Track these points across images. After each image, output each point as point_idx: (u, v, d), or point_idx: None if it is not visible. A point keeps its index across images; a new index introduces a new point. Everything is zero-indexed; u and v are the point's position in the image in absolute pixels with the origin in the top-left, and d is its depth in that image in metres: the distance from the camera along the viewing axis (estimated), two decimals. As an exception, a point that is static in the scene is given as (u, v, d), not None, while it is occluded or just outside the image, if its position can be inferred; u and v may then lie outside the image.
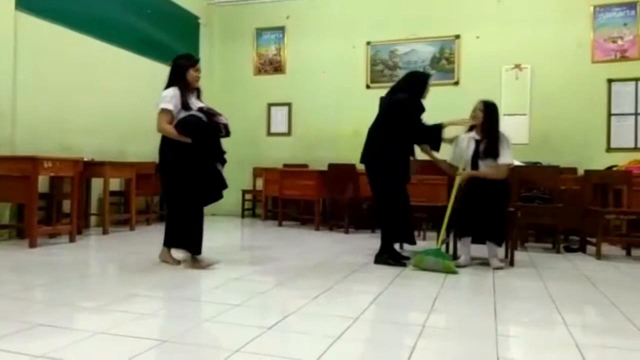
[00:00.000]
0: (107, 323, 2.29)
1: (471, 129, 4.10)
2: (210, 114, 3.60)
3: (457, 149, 4.12)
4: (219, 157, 3.67)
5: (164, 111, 3.53)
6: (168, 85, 3.64)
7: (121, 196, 6.30)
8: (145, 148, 6.84)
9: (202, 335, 2.21)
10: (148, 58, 6.94)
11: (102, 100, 6.17)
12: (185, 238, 3.66)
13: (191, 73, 3.65)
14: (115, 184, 6.21)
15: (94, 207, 5.93)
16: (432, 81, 4.25)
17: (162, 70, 7.09)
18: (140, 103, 6.84)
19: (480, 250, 4.11)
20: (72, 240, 4.77)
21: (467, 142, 4.06)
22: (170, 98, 3.55)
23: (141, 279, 3.34)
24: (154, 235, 5.60)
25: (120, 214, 6.23)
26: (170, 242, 3.77)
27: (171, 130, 3.52)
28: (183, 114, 3.55)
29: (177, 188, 3.58)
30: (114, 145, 6.30)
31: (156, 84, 7.29)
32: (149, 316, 2.45)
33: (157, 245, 3.89)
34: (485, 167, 3.94)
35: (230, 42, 8.32)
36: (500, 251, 4.45)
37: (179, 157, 3.53)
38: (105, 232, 5.40)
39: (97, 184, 5.73)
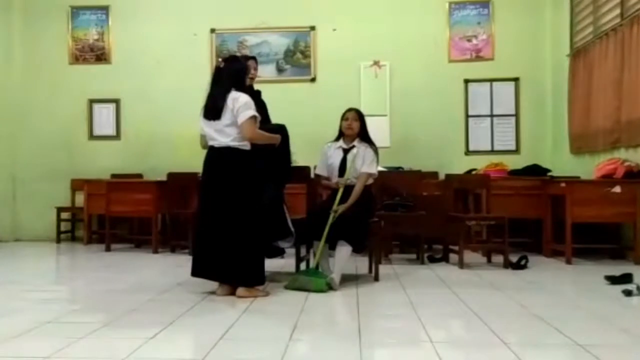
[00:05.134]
0: None
1: (338, 137, 4.37)
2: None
3: (324, 158, 4.36)
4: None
5: (255, 118, 3.69)
6: (227, 88, 3.71)
7: None
8: None
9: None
10: None
11: None
12: (250, 269, 3.68)
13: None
14: None
15: None
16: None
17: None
18: None
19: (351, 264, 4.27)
20: None
21: (334, 151, 4.33)
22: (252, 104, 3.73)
23: None
24: None
25: None
26: (244, 279, 3.70)
27: (267, 134, 3.84)
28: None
29: (253, 209, 3.70)
30: None
31: None
32: None
33: None
34: (355, 186, 4.14)
35: (37, 22, 7.63)
36: (364, 266, 4.69)
37: (255, 175, 3.75)
38: None
39: None
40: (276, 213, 4.16)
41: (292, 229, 4.17)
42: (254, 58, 4.51)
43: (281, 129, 4.17)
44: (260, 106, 4.16)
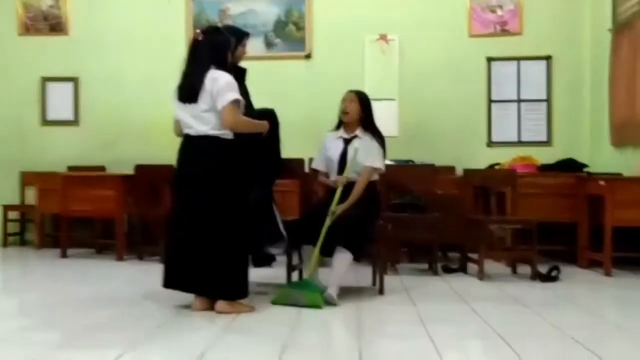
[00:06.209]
0: None
1: (338, 126, 4.40)
2: None
3: (322, 150, 4.40)
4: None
5: (238, 102, 3.66)
6: (206, 66, 3.68)
7: None
8: None
9: None
10: None
11: None
12: (231, 279, 3.66)
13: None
14: None
15: None
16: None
17: None
18: None
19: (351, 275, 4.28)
20: None
21: (333, 141, 4.35)
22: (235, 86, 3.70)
23: None
24: None
25: None
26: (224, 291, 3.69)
27: (252, 121, 3.83)
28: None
29: (236, 210, 3.69)
30: None
31: None
32: None
33: None
34: (357, 183, 4.15)
35: (-21, -15, 7.62)
36: (367, 277, 4.69)
37: (238, 169, 3.72)
38: None
39: None
40: (265, 214, 4.16)
41: (284, 233, 4.17)
42: (247, 34, 4.43)
43: (269, 115, 4.16)
44: (242, 87, 4.12)
